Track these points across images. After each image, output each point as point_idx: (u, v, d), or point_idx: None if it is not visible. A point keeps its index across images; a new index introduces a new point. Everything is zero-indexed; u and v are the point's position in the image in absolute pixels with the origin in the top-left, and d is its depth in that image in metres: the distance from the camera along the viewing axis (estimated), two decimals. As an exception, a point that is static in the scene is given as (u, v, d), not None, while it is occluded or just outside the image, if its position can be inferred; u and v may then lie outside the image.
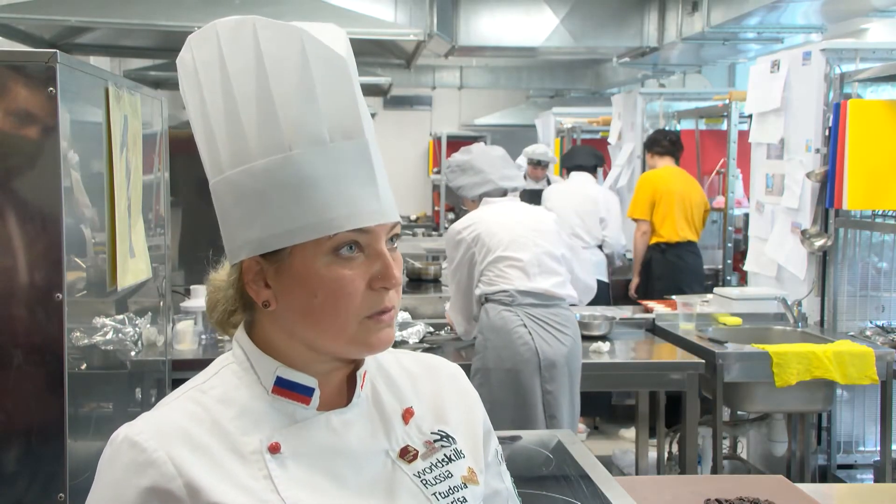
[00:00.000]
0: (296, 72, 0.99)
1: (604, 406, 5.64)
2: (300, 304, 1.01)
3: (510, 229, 3.53)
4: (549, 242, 3.56)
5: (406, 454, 1.09)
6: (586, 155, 6.37)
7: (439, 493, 1.08)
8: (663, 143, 5.98)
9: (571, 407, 3.43)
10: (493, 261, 3.50)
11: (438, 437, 1.13)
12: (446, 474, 1.10)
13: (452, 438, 1.14)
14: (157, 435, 0.99)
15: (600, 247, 6.04)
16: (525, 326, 3.40)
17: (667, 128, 6.78)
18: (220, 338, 3.74)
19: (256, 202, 1.00)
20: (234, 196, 1.02)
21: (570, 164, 6.38)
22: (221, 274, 1.10)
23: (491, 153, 3.75)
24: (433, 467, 1.10)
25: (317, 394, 1.05)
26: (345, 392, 1.09)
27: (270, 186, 0.99)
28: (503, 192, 3.68)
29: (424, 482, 1.08)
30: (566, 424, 3.34)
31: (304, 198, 0.98)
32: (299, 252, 1.00)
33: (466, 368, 3.32)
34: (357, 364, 1.11)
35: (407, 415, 1.12)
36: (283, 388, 1.05)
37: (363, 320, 1.01)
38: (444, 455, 1.12)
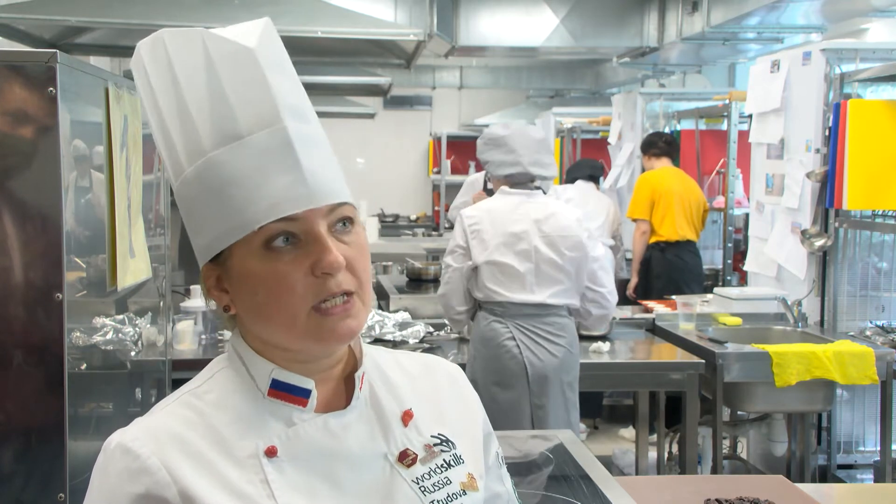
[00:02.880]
0: (203, 74, 1.00)
1: (595, 407, 5.63)
2: (248, 304, 1.01)
3: (516, 233, 3.34)
4: (554, 250, 3.34)
5: (405, 458, 1.07)
6: (584, 167, 6.38)
7: (437, 501, 1.06)
8: (659, 145, 6.00)
9: (566, 416, 3.31)
10: (489, 262, 3.34)
11: (438, 440, 1.11)
12: (445, 481, 1.08)
13: (452, 443, 1.12)
14: (150, 441, 0.98)
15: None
16: (514, 339, 3.29)
17: (667, 128, 6.79)
18: (220, 337, 3.75)
19: (195, 210, 1.02)
20: (183, 207, 1.04)
21: (570, 177, 6.41)
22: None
23: (530, 134, 3.51)
24: (432, 473, 1.08)
25: (314, 395, 1.04)
26: (343, 394, 1.08)
27: (200, 193, 1.00)
28: (531, 179, 3.44)
29: (423, 489, 1.06)
30: None
31: (228, 197, 0.98)
32: (236, 252, 1.00)
33: (465, 369, 3.31)
34: (355, 365, 1.09)
35: (406, 417, 1.10)
36: (280, 390, 1.03)
37: (311, 313, 0.99)
38: (444, 460, 1.10)
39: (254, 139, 0.98)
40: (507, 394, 3.28)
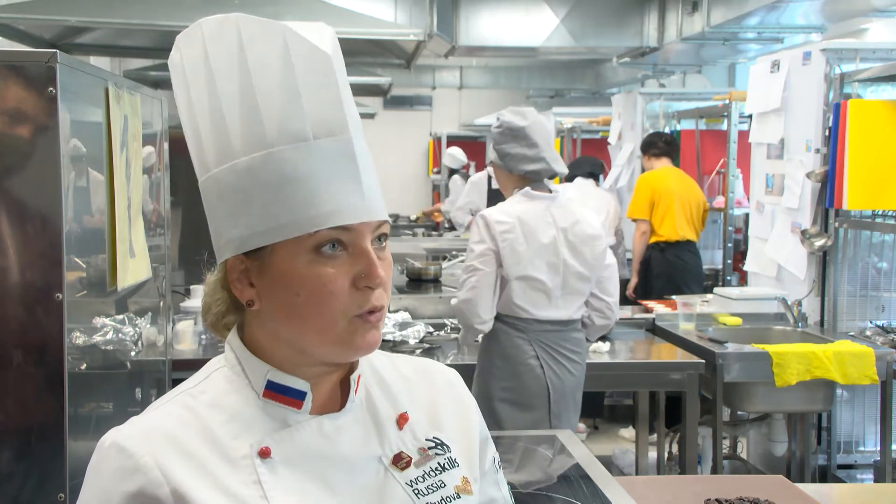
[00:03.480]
0: (278, 69, 0.99)
1: (595, 407, 5.63)
2: (283, 303, 1.00)
3: (545, 244, 3.13)
4: (580, 261, 3.17)
5: (399, 461, 1.07)
6: (584, 164, 6.38)
7: None
8: (659, 145, 6.00)
9: (569, 426, 3.21)
10: (522, 277, 3.12)
11: (433, 444, 1.11)
12: (439, 484, 1.08)
13: (447, 446, 1.12)
14: (144, 440, 0.98)
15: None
16: (538, 358, 3.14)
17: (667, 128, 6.79)
18: (220, 338, 3.74)
19: (240, 200, 1.00)
20: (219, 194, 1.02)
21: (569, 175, 6.41)
22: (215, 275, 1.10)
23: (547, 126, 3.23)
24: (426, 476, 1.08)
25: (309, 397, 1.04)
26: (338, 396, 1.08)
27: (253, 184, 0.99)
28: (551, 176, 3.22)
29: (416, 492, 1.06)
30: None
31: (286, 195, 0.98)
32: (281, 250, 0.99)
33: (467, 368, 3.28)
34: (351, 368, 1.09)
35: (401, 420, 1.10)
36: (275, 391, 1.03)
37: (352, 318, 1.00)
38: (438, 464, 1.10)
39: (320, 144, 0.99)
40: (525, 415, 3.14)
